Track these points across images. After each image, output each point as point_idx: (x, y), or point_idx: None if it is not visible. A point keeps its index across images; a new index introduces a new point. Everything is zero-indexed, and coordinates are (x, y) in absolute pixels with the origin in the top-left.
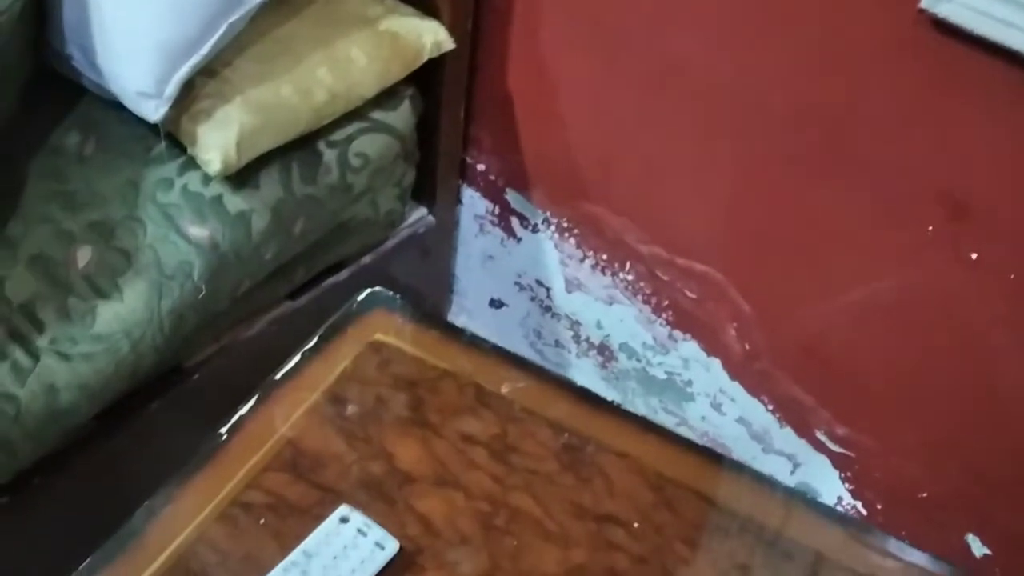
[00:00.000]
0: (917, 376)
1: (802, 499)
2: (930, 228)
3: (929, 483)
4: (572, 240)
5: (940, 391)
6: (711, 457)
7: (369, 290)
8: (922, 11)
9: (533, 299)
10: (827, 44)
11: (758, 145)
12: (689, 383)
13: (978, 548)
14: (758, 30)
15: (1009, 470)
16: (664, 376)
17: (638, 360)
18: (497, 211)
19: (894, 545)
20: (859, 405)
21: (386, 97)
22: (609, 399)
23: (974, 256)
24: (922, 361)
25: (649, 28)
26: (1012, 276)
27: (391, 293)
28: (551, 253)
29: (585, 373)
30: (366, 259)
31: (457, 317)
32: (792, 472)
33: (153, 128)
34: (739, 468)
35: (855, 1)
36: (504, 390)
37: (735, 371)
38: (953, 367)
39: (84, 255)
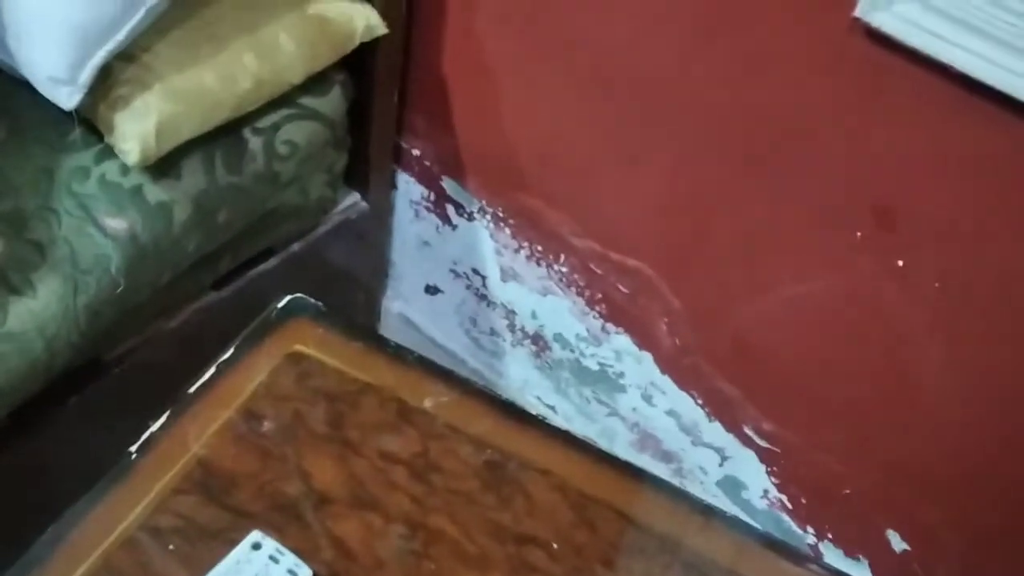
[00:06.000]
0: (842, 376)
1: (722, 516)
2: (859, 234)
3: (852, 480)
4: (507, 230)
5: (864, 391)
6: (632, 473)
7: (289, 297)
8: (856, 19)
9: (468, 287)
10: (765, 47)
11: (694, 143)
12: (621, 375)
13: (898, 543)
14: (699, 27)
15: (927, 469)
16: (597, 367)
17: (571, 351)
18: (432, 197)
19: (812, 562)
20: (786, 402)
21: (315, 83)
22: (536, 407)
23: (900, 263)
24: (847, 361)
25: (588, 20)
26: (936, 284)
27: (312, 300)
28: (486, 242)
29: (520, 362)
30: (296, 246)
31: (393, 303)
32: (720, 465)
33: (70, 113)
34: (659, 484)
35: (793, 5)
36: (427, 404)
37: (666, 365)
38: (877, 368)
39: None
